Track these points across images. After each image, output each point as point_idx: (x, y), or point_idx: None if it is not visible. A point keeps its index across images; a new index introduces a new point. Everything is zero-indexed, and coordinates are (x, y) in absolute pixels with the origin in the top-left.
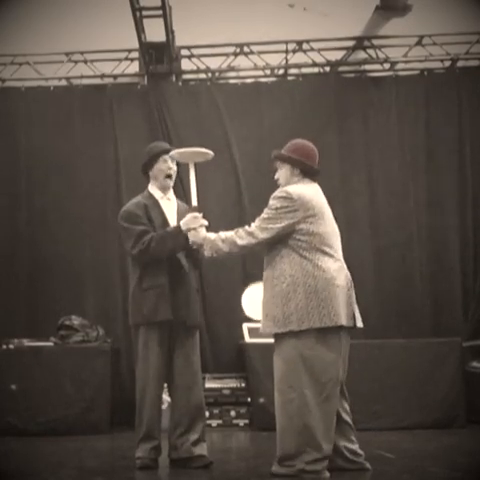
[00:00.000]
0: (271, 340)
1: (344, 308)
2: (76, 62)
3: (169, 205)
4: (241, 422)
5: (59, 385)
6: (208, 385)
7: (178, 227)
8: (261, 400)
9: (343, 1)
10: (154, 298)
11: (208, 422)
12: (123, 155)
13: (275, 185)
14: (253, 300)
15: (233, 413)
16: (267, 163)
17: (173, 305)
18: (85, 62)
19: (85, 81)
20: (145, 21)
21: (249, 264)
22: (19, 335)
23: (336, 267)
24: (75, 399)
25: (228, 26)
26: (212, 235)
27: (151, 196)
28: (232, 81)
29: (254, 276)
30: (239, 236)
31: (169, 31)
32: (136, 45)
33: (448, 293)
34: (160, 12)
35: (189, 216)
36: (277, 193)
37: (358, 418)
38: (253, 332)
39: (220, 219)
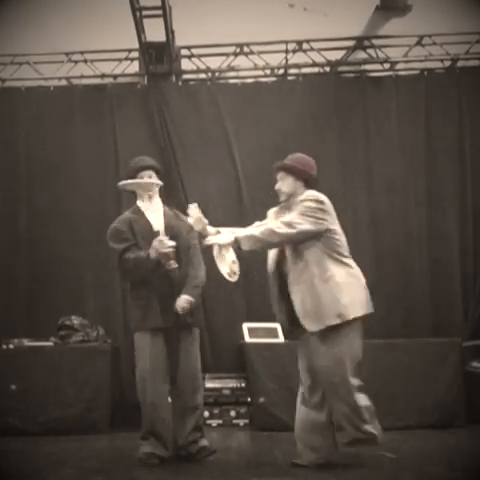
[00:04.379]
0: (271, 340)
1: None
2: (76, 62)
3: (154, 215)
4: (241, 422)
5: (59, 385)
6: (208, 385)
7: (147, 254)
8: (261, 400)
9: (343, 1)
10: (143, 306)
11: (208, 422)
12: (123, 155)
13: (273, 185)
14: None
15: (233, 413)
16: (267, 163)
17: (162, 311)
18: (85, 62)
19: (85, 81)
20: (145, 21)
21: (249, 264)
22: (19, 335)
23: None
24: (75, 399)
25: (228, 26)
26: (246, 231)
27: (138, 209)
28: (232, 81)
29: (253, 276)
30: (277, 226)
31: (169, 31)
32: (136, 45)
33: (448, 293)
34: (160, 12)
35: (155, 241)
36: (306, 196)
37: None
38: (253, 332)
39: (220, 219)
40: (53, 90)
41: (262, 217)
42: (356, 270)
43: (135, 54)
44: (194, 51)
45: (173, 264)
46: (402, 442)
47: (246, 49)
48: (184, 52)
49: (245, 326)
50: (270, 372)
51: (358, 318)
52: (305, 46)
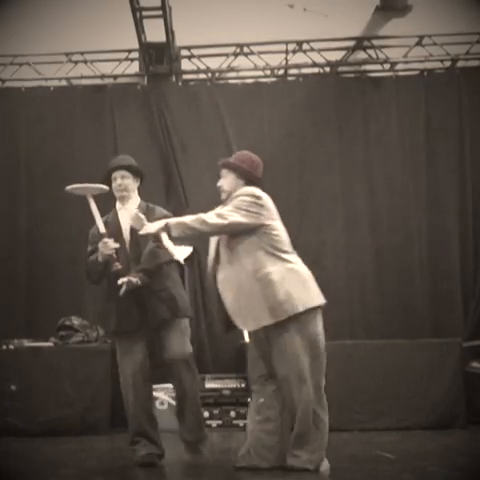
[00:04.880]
0: None
1: (318, 289)
2: (76, 62)
3: (125, 215)
4: (241, 422)
5: (59, 385)
6: (208, 385)
7: (96, 258)
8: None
9: (343, 1)
10: (109, 311)
11: (208, 422)
12: None
13: (273, 184)
14: None
15: (233, 413)
16: (267, 164)
17: (122, 315)
18: (85, 62)
19: (85, 81)
20: (145, 21)
21: None
22: (19, 335)
23: (300, 260)
24: (75, 399)
25: (228, 26)
26: (177, 218)
27: (115, 211)
28: (232, 81)
29: None
30: (208, 216)
31: (169, 31)
32: (136, 45)
33: (448, 293)
34: (160, 12)
35: (100, 244)
36: (241, 191)
37: (358, 418)
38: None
39: None
40: (53, 90)
41: None
42: (297, 265)
43: (135, 54)
44: (194, 51)
45: (117, 266)
46: (402, 442)
47: (246, 49)
48: (184, 52)
49: None
50: None
51: (298, 314)
52: (305, 46)
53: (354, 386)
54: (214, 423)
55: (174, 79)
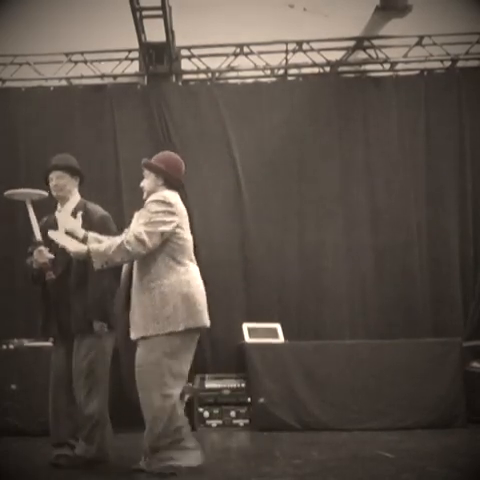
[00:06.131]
0: (271, 340)
1: (205, 310)
2: (76, 62)
3: (62, 216)
4: (241, 422)
5: None
6: (208, 385)
7: (31, 263)
8: (261, 400)
9: (343, 1)
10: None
11: (208, 422)
12: (123, 155)
13: (274, 185)
14: None
15: (233, 413)
16: (267, 163)
17: (48, 321)
18: (85, 62)
19: (85, 81)
20: (145, 21)
21: (249, 263)
22: (19, 335)
23: (198, 272)
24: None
25: (228, 26)
26: (99, 246)
27: (56, 211)
28: (232, 81)
29: (254, 275)
30: (129, 244)
31: (169, 31)
32: (136, 45)
33: (448, 293)
34: (160, 12)
35: (35, 252)
36: (154, 197)
37: (358, 418)
38: (253, 332)
39: (220, 219)
40: (53, 90)
41: (262, 217)
42: (192, 278)
43: (135, 54)
44: (194, 51)
45: (50, 275)
46: (402, 442)
47: (246, 49)
48: (184, 52)
49: (245, 326)
50: (270, 372)
51: (180, 332)
52: (305, 46)
53: (354, 386)
54: (214, 423)
55: (174, 79)
